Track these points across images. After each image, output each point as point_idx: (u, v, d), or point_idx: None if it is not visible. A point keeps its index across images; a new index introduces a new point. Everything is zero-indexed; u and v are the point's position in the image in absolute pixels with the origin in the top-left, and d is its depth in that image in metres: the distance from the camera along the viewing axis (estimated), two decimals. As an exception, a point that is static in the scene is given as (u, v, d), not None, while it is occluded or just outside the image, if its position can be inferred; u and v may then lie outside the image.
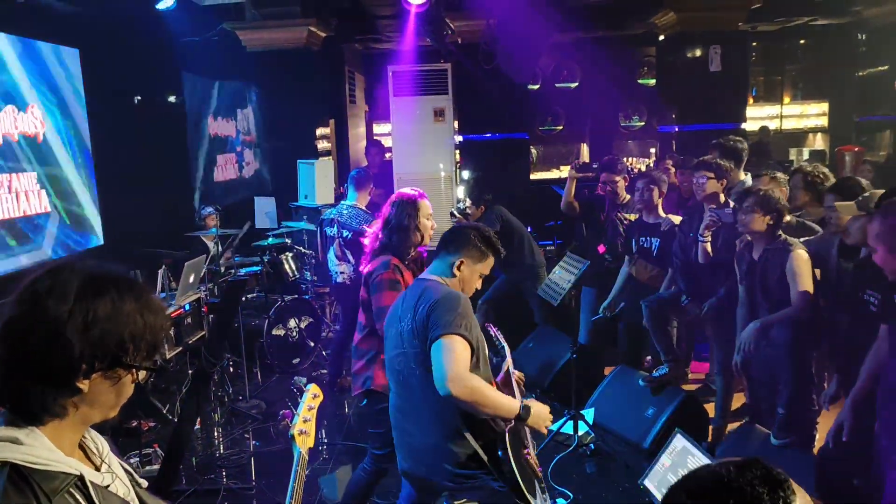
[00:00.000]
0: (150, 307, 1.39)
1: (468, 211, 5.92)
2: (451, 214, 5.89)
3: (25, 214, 5.92)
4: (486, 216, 6.01)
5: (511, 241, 6.03)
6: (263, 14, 7.37)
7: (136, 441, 4.99)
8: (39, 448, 1.31)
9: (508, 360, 3.11)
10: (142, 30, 7.03)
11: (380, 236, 3.60)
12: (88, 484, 1.35)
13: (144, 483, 1.55)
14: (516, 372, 3.07)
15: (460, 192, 6.03)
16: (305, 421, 2.00)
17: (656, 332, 4.80)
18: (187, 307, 4.84)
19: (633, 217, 5.32)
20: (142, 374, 1.41)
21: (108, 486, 1.42)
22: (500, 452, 2.65)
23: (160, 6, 6.63)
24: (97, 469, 1.43)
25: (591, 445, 4.68)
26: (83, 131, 6.87)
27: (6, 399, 1.31)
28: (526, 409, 2.67)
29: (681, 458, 3.88)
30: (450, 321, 2.60)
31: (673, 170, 6.03)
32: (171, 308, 4.58)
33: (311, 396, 2.07)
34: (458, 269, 2.87)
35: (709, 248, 4.47)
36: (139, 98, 7.89)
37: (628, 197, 5.45)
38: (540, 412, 2.71)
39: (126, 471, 1.52)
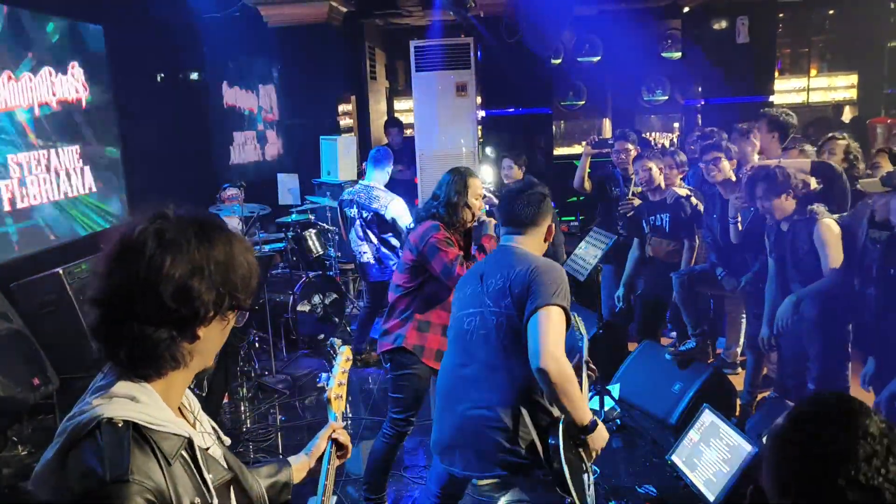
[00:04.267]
0: (249, 248, 1.41)
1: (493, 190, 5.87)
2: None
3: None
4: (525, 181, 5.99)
5: None
6: (284, -11, 7.35)
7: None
8: (154, 407, 1.31)
9: (585, 348, 3.00)
10: (163, 6, 7.00)
11: (430, 206, 3.62)
12: (196, 448, 1.36)
13: (228, 441, 1.56)
14: (590, 362, 2.97)
15: (486, 172, 5.96)
16: (340, 385, 1.97)
17: (686, 306, 4.78)
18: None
19: (638, 190, 5.32)
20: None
21: (209, 447, 1.44)
22: (551, 440, 2.53)
23: (181, -19, 6.61)
24: (192, 426, 1.44)
25: (618, 421, 4.69)
26: (105, 109, 6.87)
27: (122, 353, 1.29)
28: (594, 424, 2.54)
29: (709, 433, 3.87)
30: (553, 292, 2.51)
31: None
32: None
33: (345, 360, 2.02)
34: (546, 238, 2.84)
35: (740, 227, 4.45)
36: (162, 75, 7.89)
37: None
38: (602, 435, 2.58)
39: (213, 428, 1.52)
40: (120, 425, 1.25)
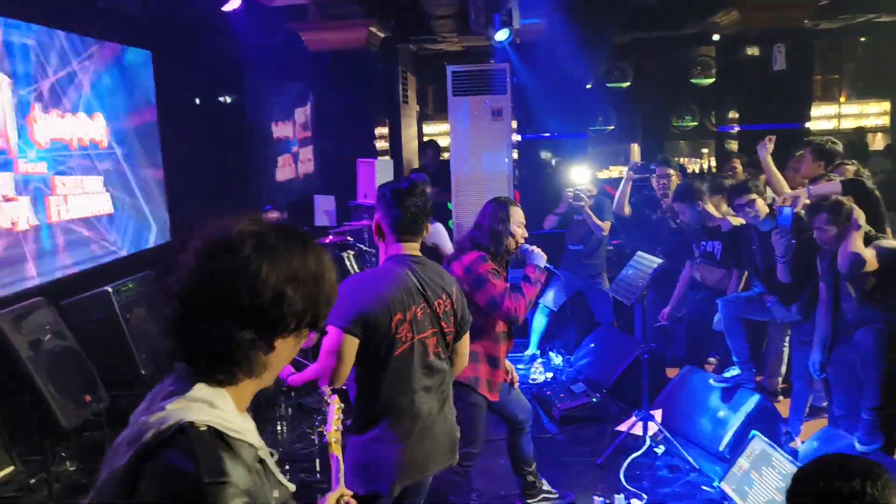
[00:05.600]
0: (333, 267, 1.39)
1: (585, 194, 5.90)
2: (576, 197, 5.86)
3: (95, 214, 6.09)
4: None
5: (595, 238, 6.06)
6: (325, 14, 7.47)
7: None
8: (231, 413, 1.28)
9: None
10: (209, 32, 7.17)
11: (474, 236, 3.64)
12: (265, 461, 1.33)
13: (276, 455, 1.47)
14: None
15: (580, 175, 6.03)
16: (337, 429, 2.14)
17: (732, 334, 4.75)
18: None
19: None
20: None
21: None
22: None
23: (226, 7, 6.75)
24: None
25: (662, 446, 4.66)
26: (152, 132, 7.03)
27: (202, 352, 1.27)
28: None
29: (760, 461, 3.84)
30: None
31: (740, 168, 5.97)
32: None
33: (337, 407, 2.19)
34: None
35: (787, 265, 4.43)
36: (205, 99, 8.06)
37: None
38: None
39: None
40: (203, 430, 1.21)
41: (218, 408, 1.26)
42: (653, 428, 4.66)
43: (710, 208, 5.03)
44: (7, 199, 5.03)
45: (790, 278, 4.45)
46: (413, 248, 2.80)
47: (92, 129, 6.12)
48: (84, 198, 5.94)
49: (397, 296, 2.63)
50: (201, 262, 1.27)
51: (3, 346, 4.06)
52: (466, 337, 2.98)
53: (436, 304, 2.73)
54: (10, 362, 4.07)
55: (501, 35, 6.87)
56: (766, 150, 4.92)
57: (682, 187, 5.37)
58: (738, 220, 4.92)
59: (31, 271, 5.29)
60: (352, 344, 2.55)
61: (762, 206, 4.58)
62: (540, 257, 3.65)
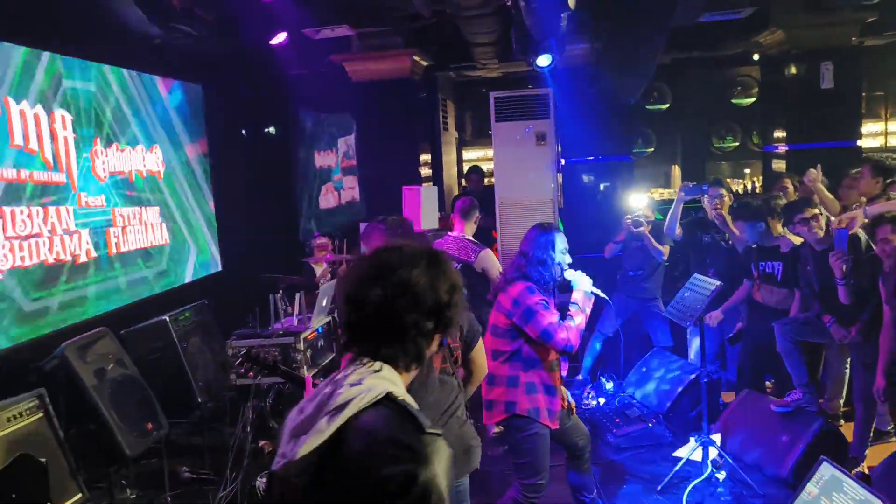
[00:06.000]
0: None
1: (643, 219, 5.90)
2: (636, 223, 5.86)
3: (152, 245, 6.24)
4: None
5: (654, 262, 6.03)
6: (369, 45, 7.59)
7: (261, 462, 5.14)
8: (406, 394, 1.53)
9: None
10: (256, 65, 7.34)
11: (519, 265, 3.64)
12: None
13: None
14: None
15: (638, 201, 6.06)
16: None
17: (790, 357, 4.66)
18: (320, 329, 4.96)
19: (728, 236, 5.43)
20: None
21: None
22: None
23: (273, 41, 6.91)
24: None
25: (723, 472, 4.56)
26: (203, 164, 7.20)
27: (385, 344, 1.55)
28: None
29: (830, 487, 3.74)
30: None
31: (791, 188, 5.89)
32: (306, 331, 4.71)
33: None
34: None
35: (848, 290, 4.35)
36: (252, 131, 8.23)
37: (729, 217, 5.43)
38: None
39: None
40: (398, 400, 1.48)
41: (399, 387, 1.53)
42: (712, 453, 4.58)
43: (776, 227, 4.96)
44: (69, 233, 5.18)
45: (851, 300, 4.36)
46: None
47: (149, 161, 6.30)
48: (141, 228, 6.09)
49: None
50: (391, 270, 1.57)
51: (70, 376, 4.15)
52: (480, 346, 3.10)
53: None
54: (77, 391, 4.15)
55: (544, 60, 6.92)
56: (814, 178, 4.93)
57: (741, 205, 5.32)
58: (797, 240, 4.84)
59: (91, 301, 5.42)
60: None
61: (822, 224, 4.51)
62: (585, 282, 3.63)
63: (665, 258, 5.97)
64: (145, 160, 6.24)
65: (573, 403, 3.90)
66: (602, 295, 3.69)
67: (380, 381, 1.49)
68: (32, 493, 3.10)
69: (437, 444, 1.42)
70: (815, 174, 5.09)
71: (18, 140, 4.74)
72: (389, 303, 1.54)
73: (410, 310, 1.54)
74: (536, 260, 3.56)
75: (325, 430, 1.43)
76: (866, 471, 4.32)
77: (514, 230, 6.99)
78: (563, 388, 3.80)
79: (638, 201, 6.03)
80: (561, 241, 3.63)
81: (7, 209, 4.60)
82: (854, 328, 4.38)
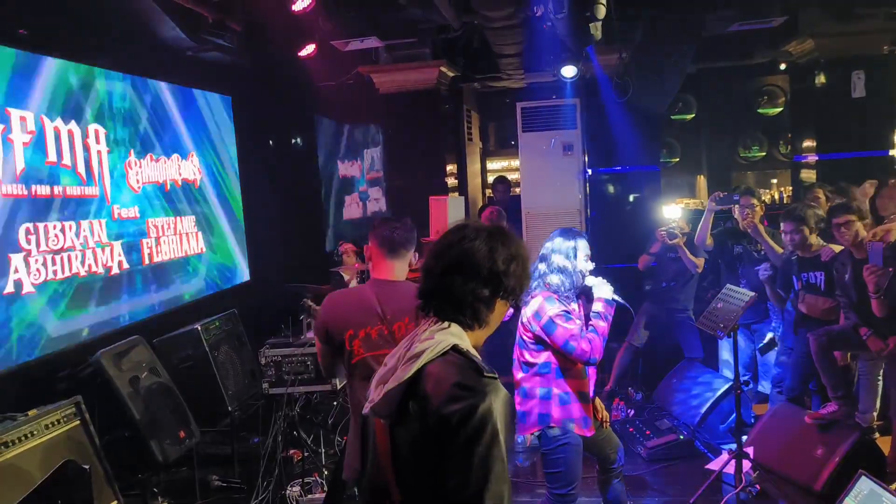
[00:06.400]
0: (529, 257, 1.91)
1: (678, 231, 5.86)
2: (670, 235, 5.82)
3: (186, 255, 6.31)
4: None
5: (688, 274, 6.00)
6: (397, 57, 7.63)
7: (292, 470, 5.17)
8: (472, 350, 1.76)
9: None
10: (284, 77, 7.41)
11: (540, 272, 3.60)
12: None
13: None
14: None
15: (672, 212, 6.00)
16: None
17: (825, 368, 4.60)
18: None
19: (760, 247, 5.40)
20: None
21: None
22: None
23: (302, 53, 6.99)
24: None
25: (756, 486, 4.50)
26: (233, 175, 7.28)
27: (454, 305, 1.78)
28: None
29: (869, 501, 3.67)
30: None
31: (823, 199, 5.81)
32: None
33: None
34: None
35: (882, 303, 4.28)
36: (279, 141, 8.31)
37: (762, 226, 5.39)
38: None
39: None
40: (463, 351, 1.72)
41: (464, 341, 1.76)
42: (745, 465, 4.52)
43: (813, 238, 4.89)
44: (102, 244, 5.25)
45: (885, 313, 4.30)
46: (387, 272, 3.01)
47: (185, 170, 6.39)
48: (176, 238, 6.17)
49: (354, 314, 2.92)
50: (452, 245, 1.80)
51: (105, 384, 4.20)
52: None
53: (395, 326, 2.88)
54: (112, 399, 4.21)
55: (569, 71, 6.92)
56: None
57: (790, 207, 5.22)
58: (837, 248, 4.78)
59: (124, 309, 5.49)
60: (323, 348, 3.01)
61: (860, 229, 4.44)
62: (606, 290, 3.55)
63: (699, 271, 5.92)
64: (181, 168, 6.32)
65: (607, 416, 3.86)
66: (623, 302, 3.62)
67: (447, 336, 1.74)
68: (76, 498, 3.14)
69: (494, 384, 1.65)
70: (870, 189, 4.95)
71: (52, 157, 4.82)
72: (447, 274, 1.78)
73: (467, 279, 1.77)
74: (558, 267, 3.51)
75: (402, 376, 1.71)
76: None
77: (540, 240, 6.95)
78: (598, 399, 3.77)
79: (672, 212, 5.97)
80: (584, 248, 3.56)
81: (41, 225, 4.65)
82: (892, 340, 4.32)
